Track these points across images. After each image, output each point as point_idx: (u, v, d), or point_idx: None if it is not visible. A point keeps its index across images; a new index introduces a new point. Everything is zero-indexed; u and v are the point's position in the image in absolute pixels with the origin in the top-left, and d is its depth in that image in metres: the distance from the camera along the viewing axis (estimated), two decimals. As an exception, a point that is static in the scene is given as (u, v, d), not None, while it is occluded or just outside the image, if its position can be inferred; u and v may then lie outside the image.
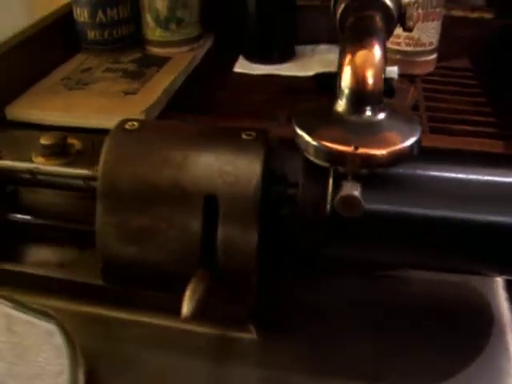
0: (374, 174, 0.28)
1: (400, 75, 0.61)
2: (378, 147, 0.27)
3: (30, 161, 0.44)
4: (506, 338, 0.34)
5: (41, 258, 0.43)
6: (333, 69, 0.60)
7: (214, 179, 0.30)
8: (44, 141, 0.47)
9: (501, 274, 0.35)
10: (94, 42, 0.66)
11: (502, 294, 0.37)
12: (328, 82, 0.62)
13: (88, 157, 0.45)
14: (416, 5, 0.57)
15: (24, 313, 0.26)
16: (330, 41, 0.68)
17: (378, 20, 0.31)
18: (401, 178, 0.30)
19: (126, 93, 0.58)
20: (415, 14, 0.35)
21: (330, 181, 0.29)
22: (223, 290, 0.31)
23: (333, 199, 0.28)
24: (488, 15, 0.66)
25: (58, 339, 0.28)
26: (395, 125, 0.28)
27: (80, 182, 0.41)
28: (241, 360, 0.32)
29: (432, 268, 0.33)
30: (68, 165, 0.41)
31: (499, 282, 0.37)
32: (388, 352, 0.33)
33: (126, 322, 0.34)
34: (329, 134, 0.27)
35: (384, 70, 0.28)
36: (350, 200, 0.26)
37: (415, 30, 0.58)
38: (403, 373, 0.32)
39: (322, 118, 0.29)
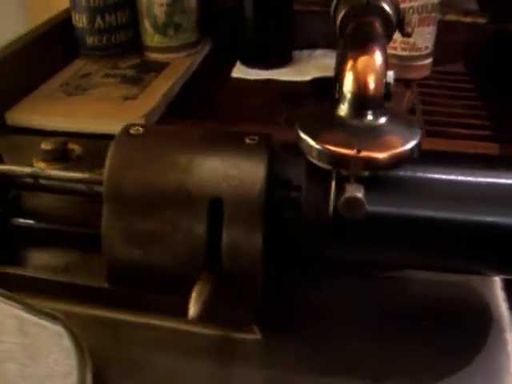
0: (375, 177, 0.29)
1: (396, 79, 0.62)
2: (380, 150, 0.28)
3: (32, 166, 0.44)
4: (504, 337, 0.35)
5: (44, 261, 0.43)
6: (330, 73, 0.61)
7: (218, 183, 0.31)
8: (45, 146, 0.47)
9: (499, 273, 0.36)
10: (93, 48, 0.67)
11: (500, 294, 0.37)
12: (326, 87, 0.62)
13: (89, 162, 0.46)
14: (412, 10, 0.58)
15: (34, 315, 0.27)
16: (327, 46, 0.69)
17: (378, 26, 0.32)
18: (401, 180, 0.31)
19: (126, 98, 0.59)
20: (413, 19, 0.35)
21: (333, 184, 0.29)
22: (228, 292, 0.32)
23: (336, 201, 0.28)
24: (481, 20, 0.67)
25: (67, 341, 0.28)
26: (396, 129, 0.29)
27: (83, 187, 0.41)
28: (246, 361, 0.33)
29: (432, 268, 0.34)
30: (69, 170, 0.41)
31: (497, 282, 0.38)
32: (390, 352, 0.33)
33: (132, 325, 0.35)
34: (332, 137, 0.28)
35: (385, 75, 0.29)
36: (353, 202, 0.27)
37: (411, 35, 0.59)
38: (405, 372, 0.33)
39: (324, 123, 0.30)
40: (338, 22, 0.34)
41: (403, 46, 0.61)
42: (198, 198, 0.31)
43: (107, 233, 0.32)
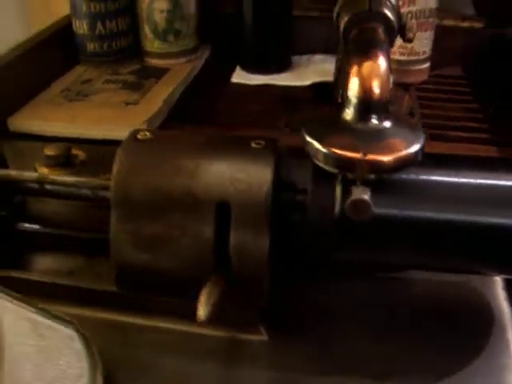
0: (380, 180, 0.30)
1: (394, 84, 0.63)
2: (385, 154, 0.28)
3: (36, 171, 0.45)
4: (506, 336, 0.35)
5: (49, 266, 0.44)
6: (329, 78, 0.62)
7: (225, 187, 0.31)
8: (49, 152, 0.48)
9: (500, 273, 0.36)
10: (93, 54, 0.67)
11: (501, 294, 0.38)
12: (325, 91, 0.63)
13: (93, 167, 0.46)
14: (410, 15, 0.58)
15: (47, 318, 0.27)
16: (326, 51, 0.70)
17: (381, 32, 0.32)
18: (405, 182, 0.31)
19: (127, 104, 0.59)
20: (415, 25, 0.36)
21: (339, 187, 0.30)
22: (235, 293, 0.32)
23: (343, 203, 0.29)
24: (478, 24, 0.68)
25: (78, 344, 0.29)
26: (400, 132, 0.30)
27: (88, 192, 0.41)
28: (253, 362, 0.33)
29: (435, 268, 0.35)
30: (75, 175, 0.41)
31: (498, 281, 0.39)
32: (394, 352, 0.34)
33: (140, 328, 0.35)
34: (338, 141, 0.29)
35: (389, 80, 0.29)
36: (360, 204, 0.27)
37: (409, 40, 0.60)
38: (409, 372, 0.33)
39: (330, 127, 0.30)
40: (342, 28, 0.34)
41: (401, 50, 0.62)
42: (205, 201, 0.31)
43: (115, 237, 0.33)
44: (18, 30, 0.76)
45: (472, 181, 0.32)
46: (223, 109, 0.62)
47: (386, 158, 0.28)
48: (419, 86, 0.64)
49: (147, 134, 0.34)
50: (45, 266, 0.44)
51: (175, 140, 0.34)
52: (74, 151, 0.50)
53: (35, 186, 0.43)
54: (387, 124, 0.29)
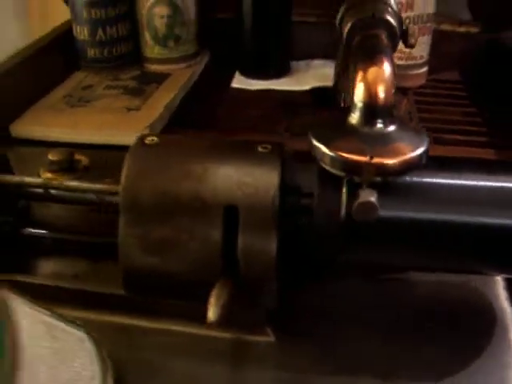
0: (385, 183, 0.30)
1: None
2: (391, 157, 0.29)
3: (40, 177, 0.45)
4: (508, 336, 0.36)
5: (53, 270, 0.44)
6: (328, 83, 0.62)
7: (233, 190, 0.32)
8: (52, 157, 0.48)
9: (502, 272, 0.37)
10: (94, 60, 0.67)
11: (502, 294, 0.39)
12: (324, 96, 0.64)
13: (96, 172, 0.47)
14: (408, 20, 0.59)
15: (60, 321, 0.28)
16: (324, 56, 0.71)
17: (384, 38, 0.33)
18: (409, 185, 0.32)
19: (129, 109, 0.60)
20: (416, 31, 0.37)
21: (345, 190, 0.31)
22: (242, 295, 0.32)
23: (349, 206, 0.29)
24: (475, 29, 0.69)
25: (90, 347, 0.29)
26: (405, 136, 0.30)
27: (93, 197, 0.42)
28: (260, 363, 0.34)
29: (438, 269, 0.35)
30: (82, 180, 0.42)
31: (499, 281, 0.39)
32: (398, 352, 0.34)
33: (147, 330, 0.35)
34: (345, 145, 0.29)
35: (394, 85, 0.30)
36: (367, 206, 0.28)
37: (407, 45, 0.60)
38: (412, 371, 0.34)
39: (336, 131, 0.31)
40: (345, 34, 0.35)
41: (399, 55, 0.62)
42: (213, 205, 0.32)
43: (124, 241, 0.33)
44: (18, 37, 0.76)
45: (474, 183, 0.32)
46: (224, 114, 0.62)
47: (391, 162, 0.29)
48: (417, 91, 0.65)
49: (154, 139, 0.34)
50: (49, 270, 0.44)
51: (182, 145, 0.35)
52: (77, 156, 0.50)
53: (40, 191, 0.43)
54: (392, 128, 0.30)
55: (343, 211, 0.31)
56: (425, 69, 0.65)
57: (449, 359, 0.34)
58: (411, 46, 0.36)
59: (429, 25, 0.62)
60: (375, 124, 0.30)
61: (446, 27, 0.70)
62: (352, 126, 0.30)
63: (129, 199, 0.33)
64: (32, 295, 0.37)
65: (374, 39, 0.32)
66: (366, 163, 0.28)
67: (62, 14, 0.72)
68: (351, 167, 0.29)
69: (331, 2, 0.69)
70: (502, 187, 0.32)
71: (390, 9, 0.36)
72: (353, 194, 0.29)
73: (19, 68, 0.62)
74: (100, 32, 0.66)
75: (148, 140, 0.34)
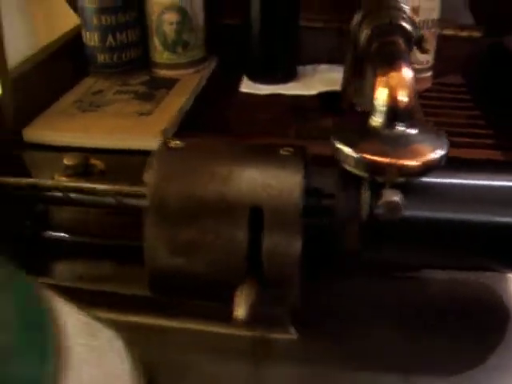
0: (404, 183, 0.31)
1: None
2: (413, 158, 0.30)
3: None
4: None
5: (73, 272, 0.45)
6: (335, 87, 0.63)
7: (258, 192, 0.33)
8: (67, 161, 0.48)
9: None
10: (104, 66, 0.68)
11: (514, 291, 0.40)
12: (332, 101, 0.65)
13: (111, 176, 0.47)
14: (414, 26, 0.60)
15: (95, 321, 0.28)
16: (330, 61, 0.72)
17: (402, 44, 0.34)
18: (429, 185, 0.33)
19: (140, 114, 0.60)
20: (432, 38, 0.38)
21: (367, 190, 0.32)
22: (266, 294, 0.33)
23: (373, 206, 0.30)
24: (477, 33, 0.70)
25: (120, 345, 0.30)
26: (426, 138, 0.31)
27: (112, 200, 0.43)
28: (284, 360, 0.34)
29: (454, 267, 0.36)
30: (103, 183, 0.42)
31: (511, 278, 0.40)
32: (418, 349, 0.35)
33: (172, 330, 0.36)
34: (368, 147, 0.30)
35: (414, 89, 0.31)
36: (392, 205, 0.29)
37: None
38: (432, 367, 0.34)
39: (359, 134, 0.32)
40: (362, 40, 0.36)
41: (405, 60, 0.63)
42: (238, 207, 0.33)
43: (150, 243, 0.34)
44: (24, 44, 0.77)
45: (490, 183, 0.34)
46: (234, 118, 0.63)
47: (413, 163, 0.30)
48: (422, 94, 0.66)
49: (178, 142, 0.35)
50: (68, 272, 0.45)
51: (206, 148, 0.36)
52: (92, 161, 0.51)
53: (58, 194, 0.44)
54: (413, 130, 0.31)
55: (365, 211, 0.32)
56: (430, 73, 0.67)
57: (465, 356, 0.35)
58: (425, 52, 0.37)
59: (433, 30, 0.63)
60: (397, 127, 0.31)
61: (448, 32, 0.71)
62: (374, 128, 0.31)
63: (156, 202, 0.34)
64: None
65: (392, 45, 0.34)
66: (389, 164, 0.29)
67: (66, 21, 0.73)
68: (375, 168, 0.30)
69: (339, 8, 0.71)
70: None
71: (404, 15, 0.37)
72: (376, 194, 0.30)
73: (31, 73, 0.63)
74: (110, 38, 0.66)
75: (172, 144, 0.35)
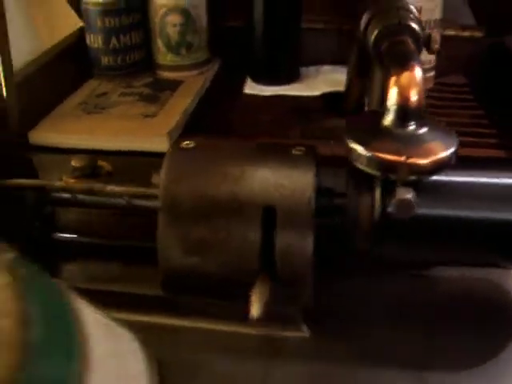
0: (415, 181, 0.32)
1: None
2: (425, 157, 0.30)
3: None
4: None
5: (81, 273, 0.45)
6: (338, 88, 0.64)
7: (270, 192, 0.33)
8: (75, 163, 0.49)
9: None
10: (108, 68, 0.69)
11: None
12: (335, 101, 0.65)
13: (119, 178, 0.48)
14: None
15: (113, 322, 0.28)
16: (332, 61, 0.72)
17: (411, 44, 0.34)
18: (439, 183, 0.33)
19: (145, 116, 0.61)
20: (439, 37, 0.38)
21: (378, 189, 0.32)
22: (279, 292, 0.34)
23: (385, 204, 0.31)
24: (478, 34, 0.71)
25: (137, 346, 0.30)
26: (436, 137, 0.32)
27: (121, 201, 0.43)
28: (296, 358, 0.35)
29: (464, 264, 0.37)
30: (113, 184, 0.43)
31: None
32: (431, 345, 0.35)
33: (185, 330, 0.36)
34: (381, 146, 0.31)
35: (424, 89, 0.31)
36: (405, 203, 0.29)
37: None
38: (445, 362, 0.35)
39: (371, 133, 0.32)
40: (372, 40, 0.36)
41: (408, 60, 0.64)
42: (251, 206, 0.33)
43: (164, 243, 0.34)
44: (26, 46, 0.77)
45: (501, 180, 0.34)
46: (238, 119, 0.64)
47: (425, 161, 0.30)
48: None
49: (190, 143, 0.36)
50: (77, 273, 0.45)
51: (217, 148, 0.36)
52: (100, 162, 0.51)
53: (67, 196, 0.44)
54: (424, 129, 0.31)
55: (377, 210, 0.32)
56: (432, 73, 0.67)
57: (476, 352, 0.35)
58: (433, 52, 0.37)
59: (436, 30, 0.63)
60: (408, 126, 0.31)
61: (450, 32, 0.71)
62: (386, 128, 0.31)
63: (168, 202, 0.34)
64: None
65: (402, 45, 0.34)
66: (401, 163, 0.30)
67: (66, 21, 0.73)
68: (387, 167, 0.30)
69: (339, 9, 0.71)
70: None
71: (412, 15, 0.37)
72: (389, 192, 0.31)
73: (35, 76, 0.63)
74: (114, 40, 0.67)
75: (184, 144, 0.35)
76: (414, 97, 0.31)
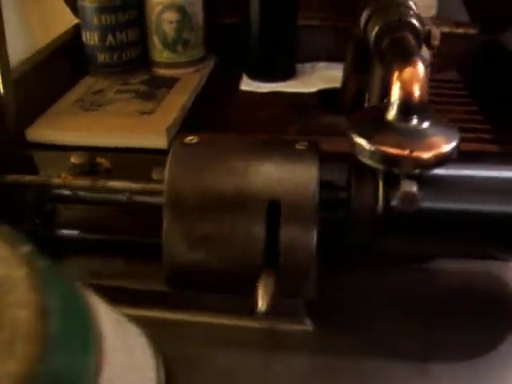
0: (420, 175, 0.32)
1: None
2: (428, 151, 0.31)
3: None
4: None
5: (84, 269, 0.45)
6: (335, 85, 0.64)
7: (275, 186, 0.33)
8: (74, 160, 0.49)
9: None
10: (104, 65, 0.68)
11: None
12: (332, 98, 0.65)
13: (117, 174, 0.48)
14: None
15: (123, 317, 0.29)
16: (328, 58, 0.73)
17: (412, 40, 0.35)
18: (441, 177, 0.34)
19: (142, 113, 0.61)
20: (439, 34, 0.39)
21: (381, 182, 0.32)
22: (283, 286, 0.34)
23: (389, 197, 0.31)
24: (473, 31, 0.71)
25: (144, 341, 0.30)
26: (439, 131, 0.32)
27: (122, 197, 0.43)
28: (299, 352, 0.35)
29: (467, 256, 0.37)
30: (116, 180, 0.43)
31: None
32: (433, 338, 0.36)
33: (187, 324, 0.37)
34: (384, 140, 0.31)
35: (427, 84, 0.32)
36: (410, 195, 0.30)
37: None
38: (447, 354, 0.35)
39: (374, 127, 0.32)
40: (372, 37, 0.37)
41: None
42: (255, 201, 0.33)
43: (169, 239, 0.34)
44: (21, 44, 0.77)
45: (496, 174, 0.35)
46: (235, 116, 0.64)
47: (428, 155, 0.31)
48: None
49: (193, 138, 0.36)
50: (80, 269, 0.45)
51: (221, 143, 0.36)
52: (98, 159, 0.51)
53: (67, 192, 0.44)
54: (426, 123, 0.32)
55: (380, 203, 0.32)
56: (428, 70, 0.67)
57: (477, 343, 0.36)
58: (433, 48, 0.38)
59: (435, 27, 0.64)
60: (411, 120, 0.32)
61: (444, 29, 0.72)
62: (389, 122, 0.32)
63: (173, 197, 0.34)
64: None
65: (403, 41, 0.34)
66: (405, 157, 0.30)
67: (61, 18, 0.73)
68: (391, 160, 0.31)
69: (335, 6, 0.72)
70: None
71: (412, 12, 0.38)
72: (393, 185, 0.31)
73: (30, 73, 0.63)
74: (110, 37, 0.67)
75: (188, 140, 0.36)
76: (416, 91, 0.31)
